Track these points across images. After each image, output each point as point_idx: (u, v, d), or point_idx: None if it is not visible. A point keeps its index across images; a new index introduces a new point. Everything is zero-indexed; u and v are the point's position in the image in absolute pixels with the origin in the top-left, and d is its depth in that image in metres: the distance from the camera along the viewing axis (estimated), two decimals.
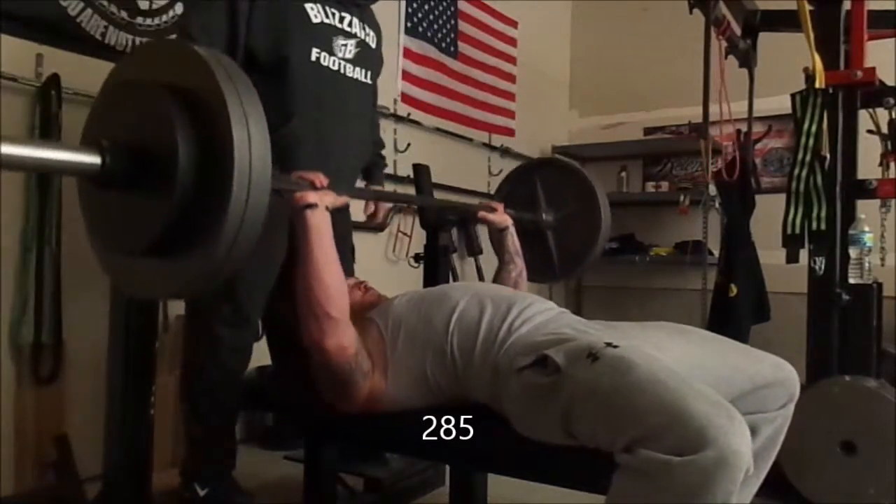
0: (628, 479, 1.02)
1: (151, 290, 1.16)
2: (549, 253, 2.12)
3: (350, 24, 1.86)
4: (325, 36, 1.80)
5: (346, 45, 1.84)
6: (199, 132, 0.95)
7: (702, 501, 0.95)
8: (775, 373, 1.34)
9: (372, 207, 2.20)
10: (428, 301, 1.44)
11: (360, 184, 2.17)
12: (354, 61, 1.87)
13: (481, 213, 1.86)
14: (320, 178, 1.36)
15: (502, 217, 1.87)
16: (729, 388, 1.24)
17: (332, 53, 1.81)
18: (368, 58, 1.93)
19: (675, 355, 1.22)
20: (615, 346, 1.14)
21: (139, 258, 1.04)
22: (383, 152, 2.28)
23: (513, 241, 1.86)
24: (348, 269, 1.86)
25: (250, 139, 0.93)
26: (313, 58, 1.78)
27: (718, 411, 0.99)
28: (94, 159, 0.95)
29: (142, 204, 0.99)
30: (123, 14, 2.25)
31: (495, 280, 1.86)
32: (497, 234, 1.88)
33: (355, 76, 1.88)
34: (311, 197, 1.31)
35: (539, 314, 1.37)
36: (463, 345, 1.33)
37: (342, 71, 1.85)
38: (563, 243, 2.11)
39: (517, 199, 2.12)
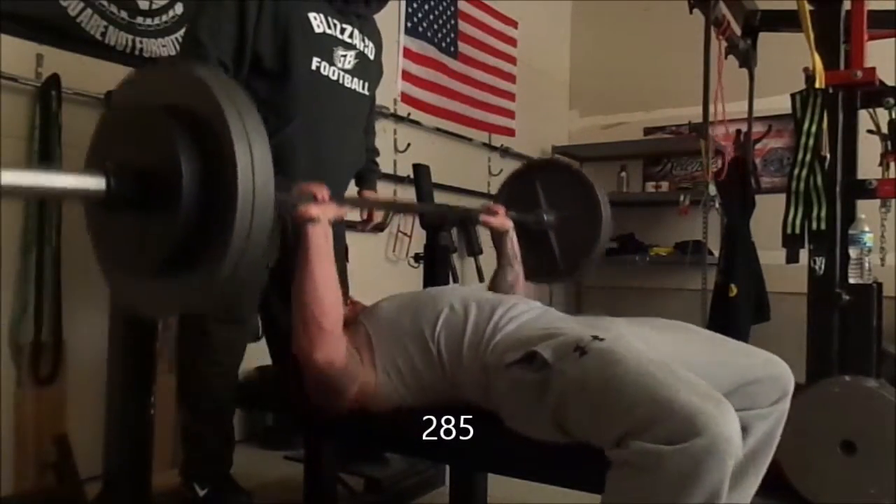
0: (621, 473, 1.02)
1: (156, 310, 1.15)
2: (553, 252, 2.15)
3: (351, 36, 1.88)
4: (326, 46, 1.81)
5: (345, 56, 1.86)
6: (201, 151, 0.95)
7: (695, 489, 0.96)
8: (766, 368, 1.34)
9: (366, 213, 2.22)
10: (414, 304, 1.45)
11: (353, 189, 2.18)
12: (353, 72, 1.89)
13: (483, 217, 1.87)
14: (322, 192, 1.35)
15: (503, 221, 1.87)
16: (717, 383, 1.24)
17: (331, 63, 1.83)
18: (367, 69, 1.94)
19: (663, 350, 1.22)
20: (602, 340, 1.16)
21: (146, 279, 1.04)
22: (379, 159, 2.29)
23: (512, 244, 1.87)
24: (341, 269, 1.87)
25: (252, 157, 0.93)
26: (313, 66, 1.79)
27: (707, 399, 1.00)
28: (99, 183, 0.95)
29: (148, 225, 0.99)
30: (123, 14, 2.25)
31: (493, 281, 1.87)
32: (498, 238, 1.89)
33: (353, 87, 1.90)
34: (314, 211, 1.31)
35: (524, 313, 1.39)
36: (450, 346, 1.34)
37: (341, 81, 1.86)
38: (565, 242, 2.14)
39: (518, 201, 2.13)
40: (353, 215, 2.23)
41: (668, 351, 1.24)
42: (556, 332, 1.25)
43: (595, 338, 1.17)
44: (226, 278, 0.96)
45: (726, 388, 1.27)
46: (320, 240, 1.31)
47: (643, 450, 0.98)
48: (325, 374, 1.32)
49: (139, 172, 0.98)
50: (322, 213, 1.32)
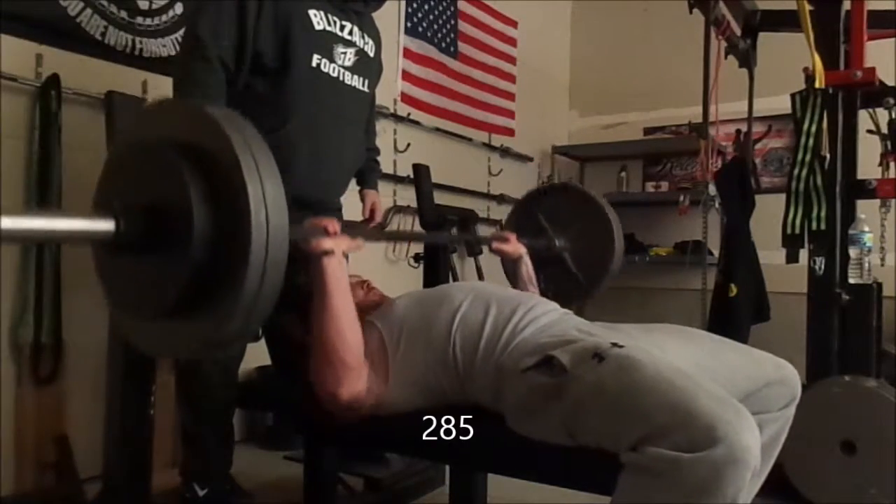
0: (635, 478, 1.01)
1: (174, 352, 1.12)
2: (572, 273, 2.13)
3: (350, 33, 1.88)
4: (326, 43, 1.81)
5: (345, 53, 1.86)
6: (212, 191, 0.92)
7: (712, 499, 0.95)
8: (777, 372, 1.34)
9: (368, 211, 2.21)
10: (430, 302, 1.43)
11: (354, 188, 2.17)
12: (353, 69, 1.89)
13: (496, 245, 1.86)
14: (333, 225, 1.33)
15: (515, 246, 1.87)
16: (732, 390, 1.23)
17: (332, 60, 1.83)
18: (367, 66, 1.94)
19: (678, 357, 1.22)
20: (621, 346, 1.14)
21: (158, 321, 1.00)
22: (380, 157, 2.29)
23: (527, 269, 1.87)
24: None
25: (265, 196, 0.90)
26: (314, 64, 1.79)
27: (727, 408, 0.98)
28: (108, 225, 0.92)
29: (159, 267, 0.95)
30: (123, 14, 2.25)
31: None
32: (511, 265, 1.88)
33: (353, 84, 1.90)
34: (328, 244, 1.29)
35: (543, 315, 1.37)
36: (466, 346, 1.33)
37: (341, 78, 1.86)
38: (582, 260, 2.11)
39: (527, 228, 2.11)
40: (355, 215, 2.22)
41: (684, 358, 1.23)
42: (574, 337, 1.24)
43: (614, 345, 1.15)
44: (243, 318, 0.92)
45: (741, 393, 1.27)
46: (336, 272, 1.29)
47: (661, 456, 0.97)
48: (349, 410, 1.32)
49: (149, 213, 0.94)
50: (336, 245, 1.31)
